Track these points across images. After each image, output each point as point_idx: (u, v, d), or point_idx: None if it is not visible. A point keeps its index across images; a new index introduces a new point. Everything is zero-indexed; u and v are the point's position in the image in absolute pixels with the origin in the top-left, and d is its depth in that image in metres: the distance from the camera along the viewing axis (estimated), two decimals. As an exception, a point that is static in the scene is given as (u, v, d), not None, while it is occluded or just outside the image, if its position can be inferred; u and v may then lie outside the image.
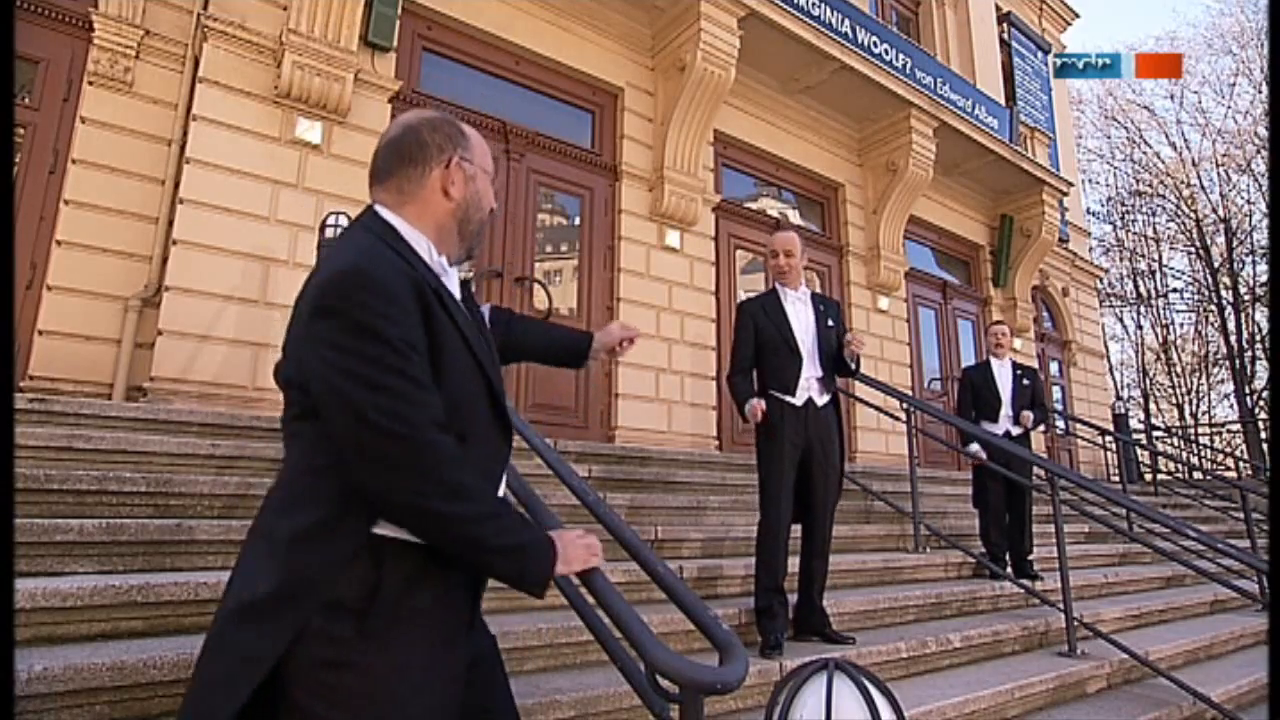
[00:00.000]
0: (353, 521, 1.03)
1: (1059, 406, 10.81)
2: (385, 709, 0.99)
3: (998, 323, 5.16)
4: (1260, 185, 18.27)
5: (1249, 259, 18.67)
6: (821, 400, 3.13)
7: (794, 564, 3.53)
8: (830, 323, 3.24)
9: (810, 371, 3.12)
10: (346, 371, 0.99)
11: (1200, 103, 20.44)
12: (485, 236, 1.27)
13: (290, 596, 0.99)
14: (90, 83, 4.39)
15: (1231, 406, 19.66)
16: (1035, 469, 4.63)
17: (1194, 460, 13.26)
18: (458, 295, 1.21)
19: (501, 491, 1.23)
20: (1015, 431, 4.81)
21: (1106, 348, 17.81)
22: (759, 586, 2.99)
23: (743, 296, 7.35)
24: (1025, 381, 4.89)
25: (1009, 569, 4.46)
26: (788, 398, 3.09)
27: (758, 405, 3.02)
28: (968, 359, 9.18)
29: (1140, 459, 10.47)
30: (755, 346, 3.17)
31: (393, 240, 1.13)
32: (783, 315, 3.17)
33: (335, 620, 0.99)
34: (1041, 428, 6.60)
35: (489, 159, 1.25)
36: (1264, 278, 17.94)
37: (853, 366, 3.18)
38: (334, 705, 0.97)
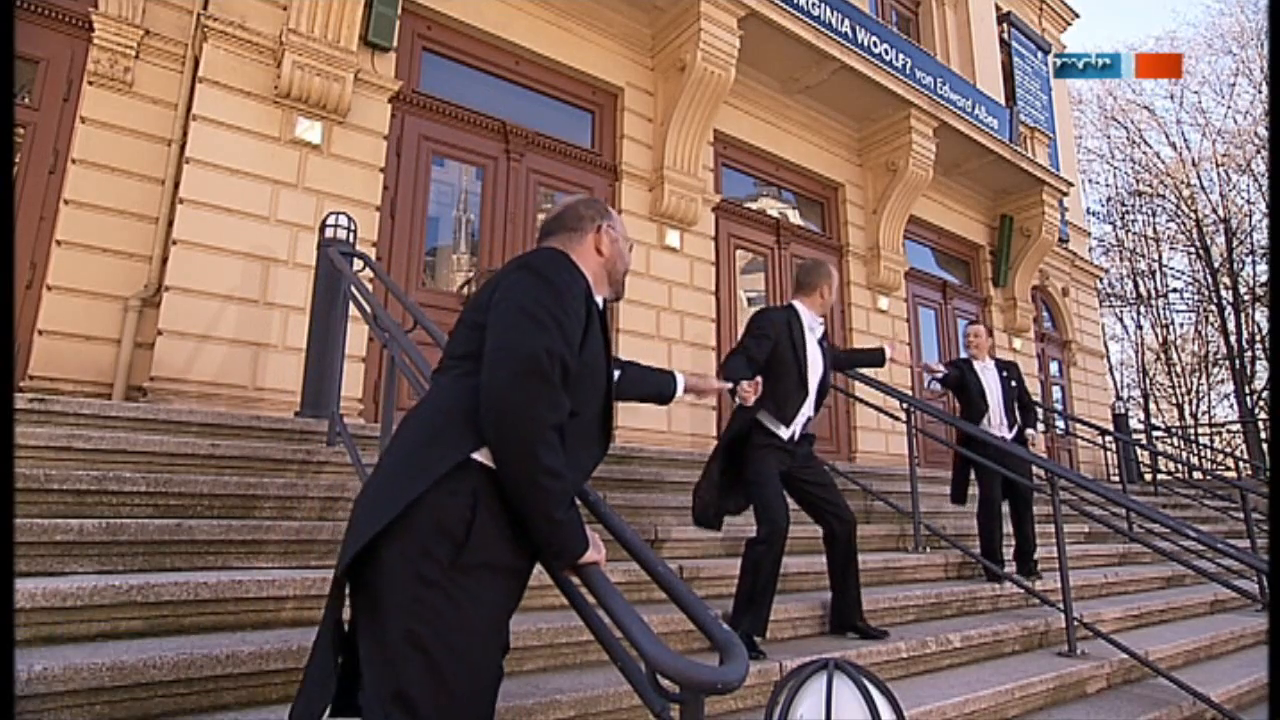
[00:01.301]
0: (460, 438, 1.23)
1: (1059, 406, 10.80)
2: (462, 632, 1.16)
3: (974, 323, 5.10)
4: (1260, 185, 18.27)
5: (1249, 259, 18.68)
6: (802, 432, 3.17)
7: (795, 563, 3.54)
8: (824, 343, 3.28)
9: (809, 408, 3.14)
10: (524, 307, 1.26)
11: (1200, 103, 20.47)
12: (626, 287, 1.63)
13: (418, 464, 1.21)
14: (90, 83, 4.39)
15: (1231, 406, 19.67)
16: (1035, 469, 4.62)
17: (1194, 460, 13.26)
18: None
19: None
20: (1009, 435, 4.77)
21: (1106, 348, 17.82)
22: (740, 611, 2.88)
23: (743, 296, 7.35)
24: (1013, 383, 4.84)
25: (1010, 567, 4.44)
26: (779, 429, 3.06)
27: (750, 387, 2.73)
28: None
29: (1140, 459, 10.46)
30: (764, 363, 3.04)
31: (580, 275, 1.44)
32: (804, 347, 3.11)
33: (438, 540, 1.17)
34: (1042, 428, 6.57)
35: (624, 228, 1.63)
36: (1264, 278, 17.94)
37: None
38: (419, 619, 1.14)
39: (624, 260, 1.60)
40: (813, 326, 3.17)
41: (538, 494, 1.20)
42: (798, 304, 3.21)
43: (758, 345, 3.05)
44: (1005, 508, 4.63)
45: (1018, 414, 4.84)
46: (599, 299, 1.49)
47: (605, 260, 1.55)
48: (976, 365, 4.87)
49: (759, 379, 2.76)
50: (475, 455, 1.22)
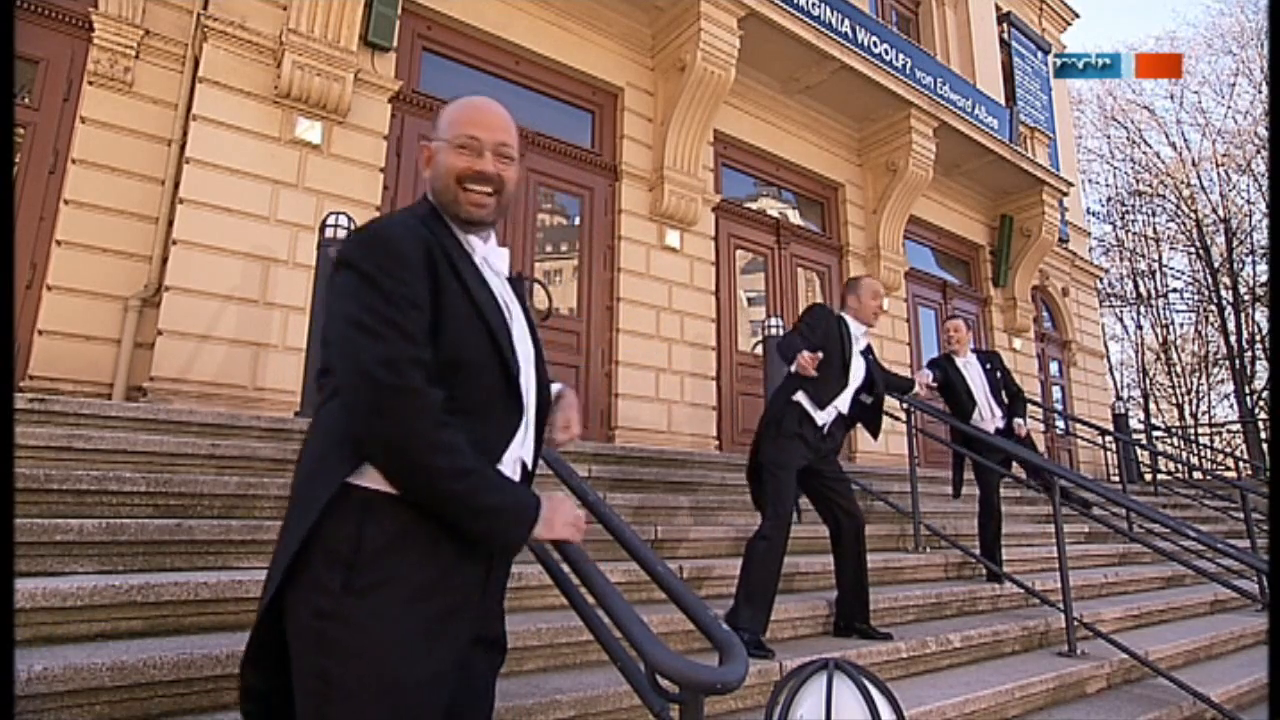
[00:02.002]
0: (337, 465, 1.11)
1: (1059, 406, 10.79)
2: (368, 659, 1.05)
3: (951, 317, 5.05)
4: (1260, 185, 18.27)
5: (1249, 259, 18.68)
6: (831, 428, 3.26)
7: (794, 563, 3.54)
8: (870, 356, 3.44)
9: (845, 398, 3.28)
10: (350, 318, 1.09)
11: (1200, 103, 20.47)
12: (483, 201, 1.24)
13: (305, 499, 1.11)
14: (90, 83, 4.39)
15: (1231, 406, 19.67)
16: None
17: (1194, 460, 13.26)
18: (497, 268, 1.29)
19: (512, 468, 1.23)
20: (1000, 427, 4.74)
21: (1106, 348, 17.81)
22: (742, 607, 2.90)
23: (743, 296, 7.35)
24: (998, 374, 4.79)
25: (1009, 568, 4.44)
26: (815, 412, 3.19)
27: (811, 357, 3.06)
28: (968, 359, 9.17)
29: (1140, 459, 10.45)
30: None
31: (426, 212, 1.25)
32: (850, 345, 3.31)
33: (328, 570, 1.06)
34: (1040, 426, 6.56)
35: (456, 127, 1.25)
36: (1264, 278, 17.94)
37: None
38: (324, 653, 1.05)
39: (440, 173, 1.25)
40: (857, 336, 3.38)
41: (451, 498, 1.10)
42: (844, 314, 3.45)
43: (810, 331, 3.27)
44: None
45: (1006, 403, 4.81)
46: (473, 243, 1.26)
47: (429, 180, 1.28)
48: (958, 361, 4.79)
49: (820, 353, 3.06)
50: (352, 479, 1.11)
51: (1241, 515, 5.86)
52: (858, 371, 3.32)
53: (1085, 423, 9.06)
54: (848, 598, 3.18)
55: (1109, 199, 21.88)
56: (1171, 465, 11.70)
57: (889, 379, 3.82)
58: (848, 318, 3.40)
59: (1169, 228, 20.89)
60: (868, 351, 3.45)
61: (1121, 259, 21.77)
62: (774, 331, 6.10)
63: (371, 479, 1.11)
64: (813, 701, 1.36)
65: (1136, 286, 21.82)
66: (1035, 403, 9.89)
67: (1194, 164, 20.16)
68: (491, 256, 1.29)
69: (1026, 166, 9.37)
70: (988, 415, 4.72)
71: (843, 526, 3.21)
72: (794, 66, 7.39)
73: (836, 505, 3.24)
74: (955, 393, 4.78)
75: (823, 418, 3.20)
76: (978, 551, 4.50)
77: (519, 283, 1.39)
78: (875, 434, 3.53)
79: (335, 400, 1.14)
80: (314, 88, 4.78)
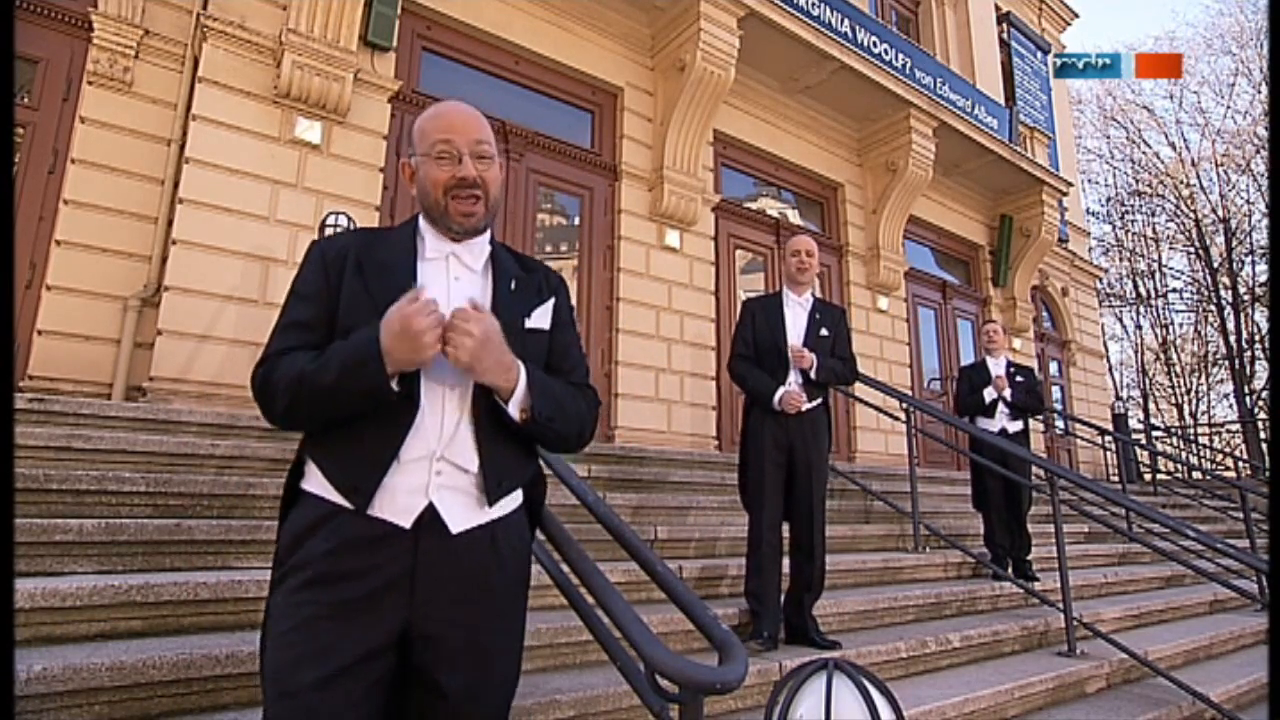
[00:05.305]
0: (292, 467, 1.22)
1: (1059, 406, 10.81)
2: (273, 655, 1.09)
3: (990, 321, 5.16)
4: (1260, 185, 18.27)
5: (1248, 259, 18.67)
6: (805, 405, 3.13)
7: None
8: (825, 331, 3.22)
9: (794, 377, 3.15)
10: None
11: (1200, 103, 20.46)
12: (470, 210, 1.25)
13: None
14: (90, 83, 4.39)
15: (1231, 406, 19.65)
16: (1035, 469, 4.64)
17: (1193, 460, 13.25)
18: (469, 263, 1.29)
19: (429, 466, 1.16)
20: (1012, 429, 4.80)
21: (1106, 348, 17.80)
22: (745, 589, 3.06)
23: (742, 296, 7.36)
24: (1019, 379, 4.88)
25: (1009, 569, 4.46)
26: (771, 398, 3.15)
27: (792, 396, 3.08)
28: (967, 359, 9.19)
29: (1140, 459, 10.46)
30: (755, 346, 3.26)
31: (400, 225, 1.34)
32: (780, 318, 3.22)
33: (273, 571, 1.17)
34: (1041, 428, 6.61)
35: (429, 137, 1.24)
36: (1264, 278, 17.94)
37: (812, 378, 3.14)
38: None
39: (426, 188, 1.26)
40: (795, 303, 3.27)
41: (320, 396, 1.11)
42: (784, 287, 3.36)
43: (741, 335, 3.29)
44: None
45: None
46: (431, 247, 1.28)
47: (416, 195, 1.30)
48: (990, 361, 4.96)
49: (794, 392, 3.09)
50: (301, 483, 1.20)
51: (1241, 515, 5.87)
52: (796, 339, 3.17)
53: (1085, 422, 9.07)
54: (796, 608, 3.02)
55: (1109, 199, 21.90)
56: (1171, 465, 11.71)
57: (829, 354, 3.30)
58: (785, 289, 3.30)
59: (1168, 228, 20.90)
60: (816, 319, 3.22)
61: (1121, 259, 21.77)
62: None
63: (306, 480, 1.18)
64: (812, 701, 1.35)
65: (1136, 286, 21.83)
66: (1056, 411, 9.93)
67: (1193, 164, 20.16)
68: (462, 252, 1.29)
69: (1026, 166, 9.37)
70: (1000, 416, 4.80)
71: (795, 518, 3.08)
72: (794, 66, 7.38)
73: (797, 499, 3.08)
74: (974, 390, 4.88)
75: (777, 399, 3.10)
76: (977, 551, 4.51)
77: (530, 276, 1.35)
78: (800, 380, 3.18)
79: None
80: (314, 88, 4.78)
